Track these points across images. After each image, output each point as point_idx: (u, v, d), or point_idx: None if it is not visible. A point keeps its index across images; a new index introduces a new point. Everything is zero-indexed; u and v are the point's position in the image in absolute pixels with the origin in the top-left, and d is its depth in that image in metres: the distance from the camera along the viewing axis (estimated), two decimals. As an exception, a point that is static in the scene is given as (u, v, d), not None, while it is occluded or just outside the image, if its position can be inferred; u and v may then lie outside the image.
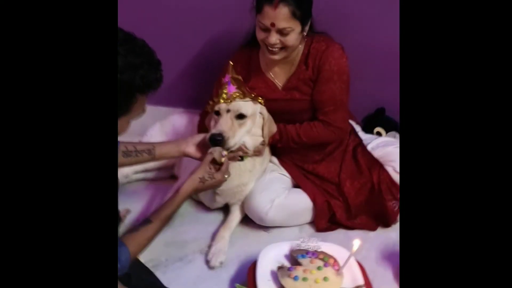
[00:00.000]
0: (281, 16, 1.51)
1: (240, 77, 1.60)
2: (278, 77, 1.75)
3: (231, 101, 1.56)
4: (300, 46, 1.67)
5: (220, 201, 1.77)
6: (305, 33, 1.63)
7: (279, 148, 1.78)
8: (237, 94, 1.57)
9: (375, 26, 1.94)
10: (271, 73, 1.75)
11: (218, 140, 1.50)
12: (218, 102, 1.57)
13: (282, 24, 1.52)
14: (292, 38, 1.57)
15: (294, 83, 1.72)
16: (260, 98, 1.66)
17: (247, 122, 1.60)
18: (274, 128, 1.70)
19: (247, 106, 1.60)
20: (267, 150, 1.79)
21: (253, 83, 1.73)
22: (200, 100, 2.21)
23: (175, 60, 2.16)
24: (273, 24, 1.53)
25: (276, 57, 1.62)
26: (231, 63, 1.58)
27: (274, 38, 1.55)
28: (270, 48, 1.59)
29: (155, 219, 1.30)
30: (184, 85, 2.22)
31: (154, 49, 1.13)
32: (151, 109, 2.24)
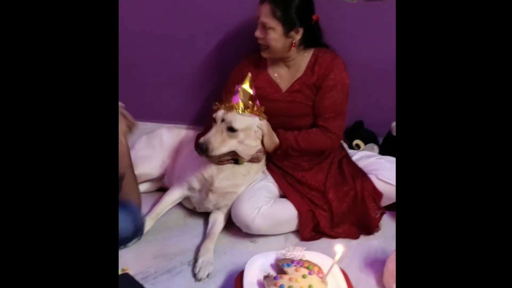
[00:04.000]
0: (264, 11, 1.70)
1: (251, 91, 1.68)
2: (283, 80, 1.86)
3: (228, 112, 1.64)
4: (305, 54, 1.83)
5: (212, 199, 1.81)
6: (294, 42, 1.75)
7: (275, 154, 1.84)
8: (237, 107, 1.64)
9: (351, 41, 2.03)
10: (276, 76, 1.87)
11: (203, 149, 1.62)
12: (219, 108, 1.66)
13: (263, 18, 1.71)
14: (273, 37, 1.71)
15: (298, 87, 1.83)
16: (263, 113, 1.74)
17: (238, 135, 1.67)
18: (276, 140, 1.78)
19: (241, 120, 1.66)
20: (263, 160, 1.86)
21: (258, 83, 1.84)
22: (189, 116, 2.27)
23: (163, 76, 2.21)
24: (258, 17, 1.73)
25: (264, 54, 1.80)
26: (249, 74, 1.69)
27: (258, 31, 1.74)
28: (259, 42, 1.76)
29: (122, 169, 1.33)
30: (172, 100, 2.26)
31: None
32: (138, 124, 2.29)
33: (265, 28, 1.71)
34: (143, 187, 2.03)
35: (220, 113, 1.66)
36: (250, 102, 1.68)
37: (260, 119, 1.72)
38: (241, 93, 1.65)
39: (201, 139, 1.63)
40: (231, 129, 1.64)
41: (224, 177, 1.77)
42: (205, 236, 1.79)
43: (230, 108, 1.64)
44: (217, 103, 1.72)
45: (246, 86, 1.67)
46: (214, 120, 1.67)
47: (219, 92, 1.94)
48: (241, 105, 1.65)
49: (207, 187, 1.79)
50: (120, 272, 1.52)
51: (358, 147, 2.23)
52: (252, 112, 1.68)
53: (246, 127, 1.68)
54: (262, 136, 1.74)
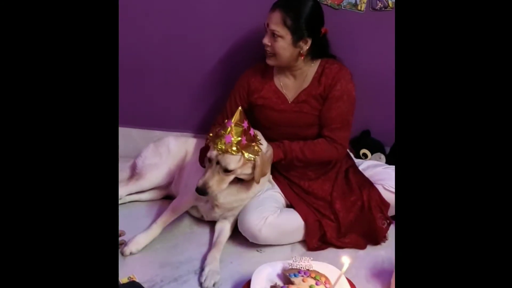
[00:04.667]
0: (274, 19, 1.70)
1: (243, 126, 1.61)
2: (289, 90, 1.86)
3: (223, 153, 1.60)
4: (312, 65, 1.84)
5: (218, 211, 1.82)
6: (302, 52, 1.75)
7: (280, 164, 1.83)
8: (229, 150, 1.59)
9: (358, 50, 2.04)
10: (282, 86, 1.86)
11: (203, 193, 1.63)
12: (214, 148, 1.62)
13: (273, 26, 1.70)
14: (281, 46, 1.71)
15: (304, 97, 1.83)
16: (259, 146, 1.67)
17: (235, 172, 1.66)
18: (266, 170, 1.74)
19: (236, 161, 1.62)
20: (269, 170, 1.84)
21: (264, 93, 1.86)
22: (195, 124, 2.28)
23: (170, 85, 2.23)
24: (268, 25, 1.72)
25: (270, 62, 1.79)
26: (240, 108, 1.63)
27: (266, 39, 1.74)
28: (265, 49, 1.76)
29: None
30: (180, 109, 2.28)
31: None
32: (145, 133, 2.32)
33: (274, 36, 1.71)
34: (149, 195, 2.05)
35: (214, 155, 1.62)
36: (243, 136, 1.61)
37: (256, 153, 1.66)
38: (232, 132, 1.60)
39: (200, 182, 1.62)
40: (227, 170, 1.63)
41: (228, 193, 1.74)
42: (211, 245, 1.79)
43: (225, 151, 1.59)
44: (209, 135, 1.68)
45: (237, 122, 1.60)
46: (209, 160, 1.64)
47: (225, 101, 1.96)
48: (234, 146, 1.59)
49: (212, 201, 1.79)
50: (126, 281, 1.52)
51: (365, 156, 2.23)
52: (246, 151, 1.62)
53: (242, 164, 1.65)
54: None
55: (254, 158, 1.64)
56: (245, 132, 1.62)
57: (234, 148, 1.60)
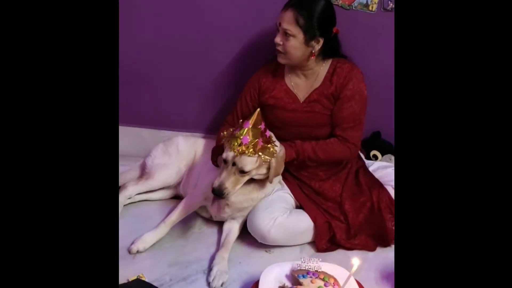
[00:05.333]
0: (286, 18, 1.70)
1: (260, 128, 1.61)
2: (300, 90, 1.86)
3: (240, 155, 1.59)
4: (324, 64, 1.83)
5: (227, 211, 1.82)
6: (314, 52, 1.74)
7: (292, 165, 1.83)
8: (246, 151, 1.58)
9: (369, 51, 2.03)
10: (293, 86, 1.86)
11: (220, 194, 1.62)
12: (230, 149, 1.60)
13: (285, 25, 1.70)
14: (293, 45, 1.71)
15: (316, 97, 1.82)
16: (274, 147, 1.66)
17: (250, 173, 1.65)
18: (280, 171, 1.73)
19: (252, 162, 1.62)
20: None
21: (276, 93, 1.86)
22: (205, 125, 2.29)
23: (180, 85, 2.23)
24: (280, 24, 1.72)
25: (281, 60, 1.78)
26: (258, 110, 1.62)
27: (278, 38, 1.73)
28: (277, 48, 1.75)
29: None
30: (189, 109, 2.28)
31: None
32: (155, 133, 2.33)
33: (286, 35, 1.71)
34: (158, 195, 2.06)
35: (230, 156, 1.60)
36: (260, 138, 1.60)
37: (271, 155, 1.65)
38: (250, 133, 1.59)
39: (215, 183, 1.61)
40: (243, 171, 1.62)
41: (240, 193, 1.73)
42: (220, 244, 1.79)
43: (242, 152, 1.58)
44: (223, 134, 1.68)
45: (255, 124, 1.59)
46: (225, 161, 1.63)
47: (236, 102, 1.96)
48: (251, 148, 1.58)
49: (223, 200, 1.78)
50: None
51: (375, 157, 2.22)
52: (262, 152, 1.61)
53: (258, 165, 1.64)
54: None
55: (270, 159, 1.64)
56: (261, 134, 1.62)
57: (251, 150, 1.59)
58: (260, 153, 1.60)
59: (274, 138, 1.71)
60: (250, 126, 1.59)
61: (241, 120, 1.68)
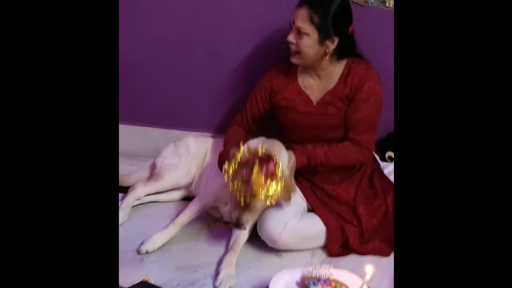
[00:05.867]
0: (300, 15, 1.65)
1: (263, 170, 1.53)
2: (313, 91, 1.81)
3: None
4: (338, 65, 1.77)
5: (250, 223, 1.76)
6: (328, 52, 1.69)
7: (303, 170, 1.78)
8: (252, 202, 1.55)
9: (386, 50, 1.96)
10: (306, 87, 1.81)
11: (240, 228, 1.63)
12: (237, 198, 1.56)
13: (299, 23, 1.65)
14: (306, 44, 1.66)
15: (329, 99, 1.77)
16: (281, 172, 1.57)
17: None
18: (292, 188, 1.66)
19: (262, 204, 1.58)
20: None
21: (288, 94, 1.81)
22: (215, 125, 2.27)
23: (190, 85, 2.22)
24: (293, 22, 1.67)
25: (294, 60, 1.73)
26: (257, 161, 1.54)
27: (291, 36, 1.68)
28: (290, 47, 1.70)
29: None
30: (200, 109, 2.26)
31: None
32: (165, 132, 2.32)
33: (299, 33, 1.66)
34: (168, 196, 2.04)
35: (239, 202, 1.57)
36: (266, 180, 1.53)
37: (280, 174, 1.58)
38: (254, 181, 1.52)
39: (233, 219, 1.61)
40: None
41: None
42: (228, 248, 1.76)
43: (248, 204, 1.55)
44: (231, 149, 1.64)
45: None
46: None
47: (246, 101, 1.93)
48: (259, 193, 1.53)
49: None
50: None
51: (391, 159, 2.16)
52: (270, 183, 1.54)
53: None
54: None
55: (278, 190, 1.56)
56: (266, 174, 1.53)
57: (259, 195, 1.53)
58: (267, 189, 1.53)
59: (278, 147, 1.67)
60: (254, 175, 1.51)
61: (246, 169, 1.55)
